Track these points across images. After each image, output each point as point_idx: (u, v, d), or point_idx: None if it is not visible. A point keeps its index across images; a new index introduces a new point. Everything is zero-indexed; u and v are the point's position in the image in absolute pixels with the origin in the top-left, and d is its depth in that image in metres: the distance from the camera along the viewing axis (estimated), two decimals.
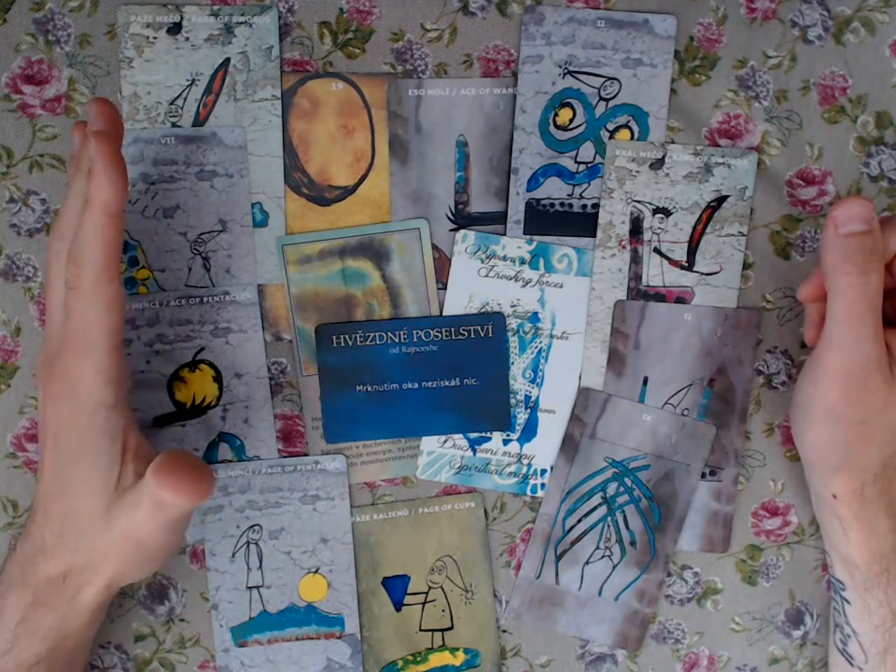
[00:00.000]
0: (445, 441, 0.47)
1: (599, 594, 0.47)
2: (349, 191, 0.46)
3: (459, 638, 0.48)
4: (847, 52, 0.47)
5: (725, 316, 0.47)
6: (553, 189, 0.47)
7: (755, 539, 0.48)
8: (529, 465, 0.47)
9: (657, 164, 0.46)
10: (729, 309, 0.47)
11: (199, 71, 0.45)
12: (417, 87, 0.46)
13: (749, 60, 0.47)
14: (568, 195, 0.47)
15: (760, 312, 0.47)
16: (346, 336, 0.46)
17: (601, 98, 0.46)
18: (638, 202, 0.47)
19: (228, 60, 0.45)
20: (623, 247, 0.47)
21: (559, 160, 0.47)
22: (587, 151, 0.47)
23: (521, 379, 0.47)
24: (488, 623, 0.48)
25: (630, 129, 0.46)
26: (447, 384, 0.47)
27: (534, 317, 0.47)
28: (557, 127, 0.46)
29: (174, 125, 0.45)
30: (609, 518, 0.47)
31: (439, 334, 0.47)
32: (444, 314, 0.47)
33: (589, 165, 0.47)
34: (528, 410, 0.47)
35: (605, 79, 0.46)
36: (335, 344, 0.46)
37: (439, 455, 0.47)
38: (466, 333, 0.47)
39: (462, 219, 0.47)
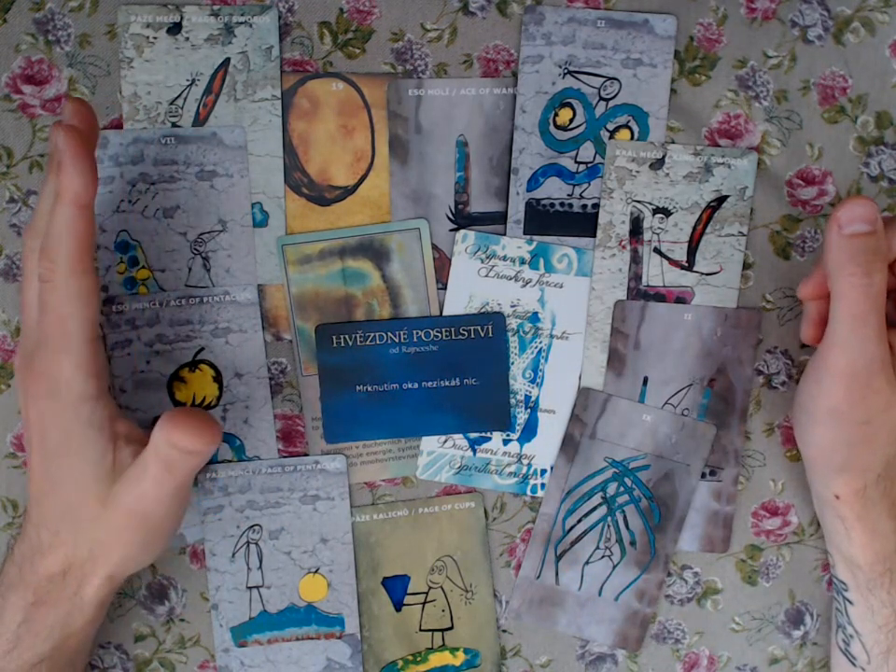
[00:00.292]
0: (445, 441, 0.47)
1: (599, 594, 0.47)
2: (349, 191, 0.46)
3: (459, 638, 0.48)
4: (847, 52, 0.47)
5: (725, 316, 0.47)
6: (553, 189, 0.47)
7: (755, 539, 0.48)
8: (529, 465, 0.47)
9: (657, 164, 0.46)
10: (729, 309, 0.47)
11: (199, 71, 0.45)
12: (417, 87, 0.46)
13: (749, 60, 0.47)
14: (568, 195, 0.47)
15: (760, 312, 0.47)
16: (346, 336, 0.46)
17: (601, 98, 0.46)
18: (638, 202, 0.47)
19: (228, 60, 0.45)
20: (623, 247, 0.47)
21: (559, 160, 0.47)
22: (587, 151, 0.47)
23: (521, 379, 0.47)
24: (488, 623, 0.48)
25: (630, 129, 0.46)
26: (447, 384, 0.47)
27: (534, 317, 0.47)
28: (557, 127, 0.46)
29: (174, 125, 0.45)
30: (609, 518, 0.47)
31: (439, 334, 0.47)
32: (444, 314, 0.47)
33: (589, 165, 0.47)
34: (528, 410, 0.47)
35: (605, 79, 0.46)
36: (335, 344, 0.46)
37: (439, 454, 0.47)
38: (466, 333, 0.47)
39: (462, 219, 0.47)
